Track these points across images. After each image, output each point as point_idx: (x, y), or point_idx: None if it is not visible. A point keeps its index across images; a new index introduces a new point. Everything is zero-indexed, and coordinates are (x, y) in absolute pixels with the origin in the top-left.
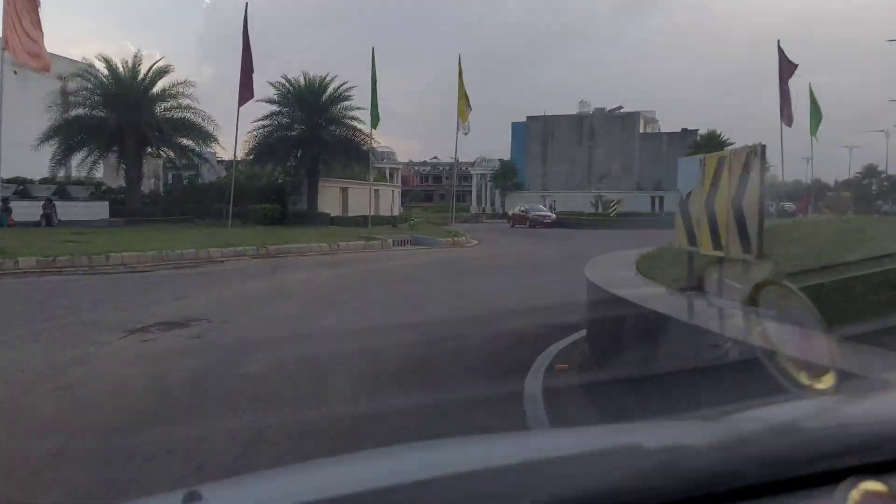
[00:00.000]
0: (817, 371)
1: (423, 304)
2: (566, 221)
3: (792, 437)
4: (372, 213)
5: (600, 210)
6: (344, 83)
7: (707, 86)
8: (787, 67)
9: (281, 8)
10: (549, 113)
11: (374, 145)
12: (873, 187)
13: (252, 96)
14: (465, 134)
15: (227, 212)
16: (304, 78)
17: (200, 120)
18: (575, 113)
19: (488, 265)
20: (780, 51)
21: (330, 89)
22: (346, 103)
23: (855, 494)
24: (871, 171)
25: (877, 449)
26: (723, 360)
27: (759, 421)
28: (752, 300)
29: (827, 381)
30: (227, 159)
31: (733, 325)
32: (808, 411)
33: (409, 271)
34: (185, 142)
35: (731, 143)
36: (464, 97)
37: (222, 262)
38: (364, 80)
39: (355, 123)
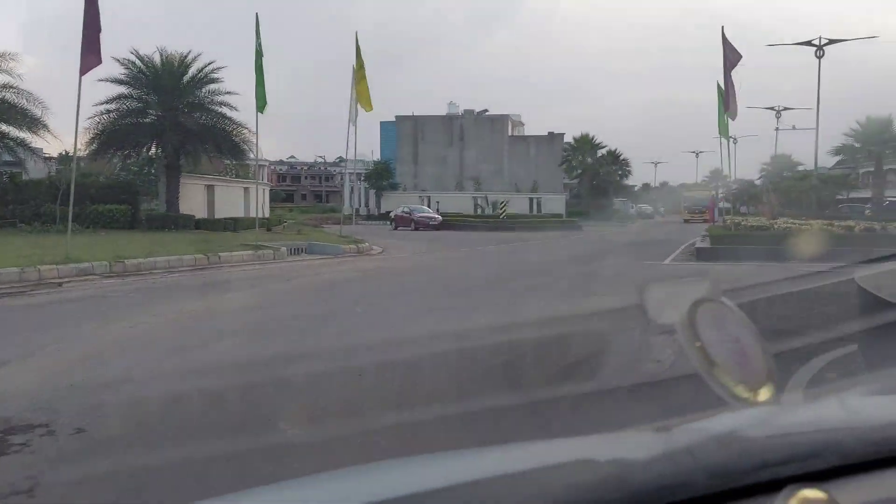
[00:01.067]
0: (757, 383)
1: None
2: (452, 223)
3: (736, 446)
4: (242, 215)
5: (486, 211)
6: (210, 62)
7: (561, 91)
8: (731, 57)
9: None
10: (417, 113)
11: (249, 135)
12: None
13: (99, 61)
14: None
15: (62, 215)
16: (161, 55)
17: (25, 102)
18: (445, 114)
19: (444, 280)
20: (724, 39)
21: (193, 69)
22: (214, 86)
23: (793, 502)
24: (716, 175)
25: (816, 457)
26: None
27: (705, 432)
28: (690, 315)
29: (766, 393)
30: (56, 155)
31: None
32: (751, 421)
33: (358, 292)
34: (2, 127)
35: (604, 146)
36: (364, 80)
37: (61, 285)
38: (239, 66)
39: (225, 110)
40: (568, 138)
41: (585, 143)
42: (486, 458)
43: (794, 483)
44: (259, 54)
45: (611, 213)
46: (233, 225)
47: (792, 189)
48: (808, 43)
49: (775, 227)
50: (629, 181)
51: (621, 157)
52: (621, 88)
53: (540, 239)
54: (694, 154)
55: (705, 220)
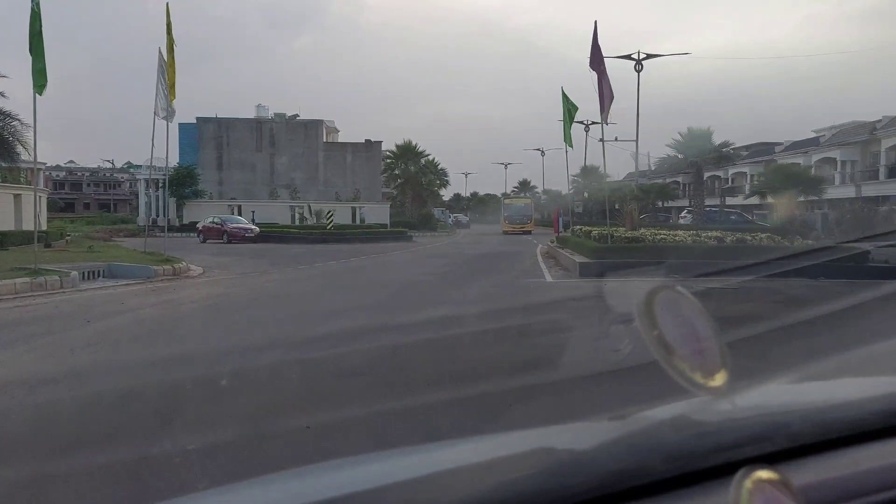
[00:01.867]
0: (711, 370)
1: None
2: (271, 235)
3: (692, 431)
4: (12, 228)
5: (309, 221)
6: None
7: (375, 100)
8: (597, 57)
9: None
10: (222, 115)
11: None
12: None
13: None
14: (164, 118)
15: None
16: None
17: None
18: (253, 117)
19: (317, 314)
20: (595, 37)
21: None
22: None
23: (748, 483)
24: (525, 186)
25: (768, 440)
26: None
27: (661, 418)
28: (647, 304)
29: (720, 380)
30: None
31: None
32: (706, 407)
33: (200, 344)
34: None
35: (427, 154)
36: (174, 64)
37: None
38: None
39: None
40: (387, 146)
41: (409, 151)
42: (447, 451)
43: (750, 465)
44: (36, 23)
45: (434, 222)
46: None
47: (610, 198)
48: (628, 57)
49: (648, 239)
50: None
51: (440, 167)
52: (430, 99)
53: (380, 252)
54: (503, 165)
55: (525, 232)
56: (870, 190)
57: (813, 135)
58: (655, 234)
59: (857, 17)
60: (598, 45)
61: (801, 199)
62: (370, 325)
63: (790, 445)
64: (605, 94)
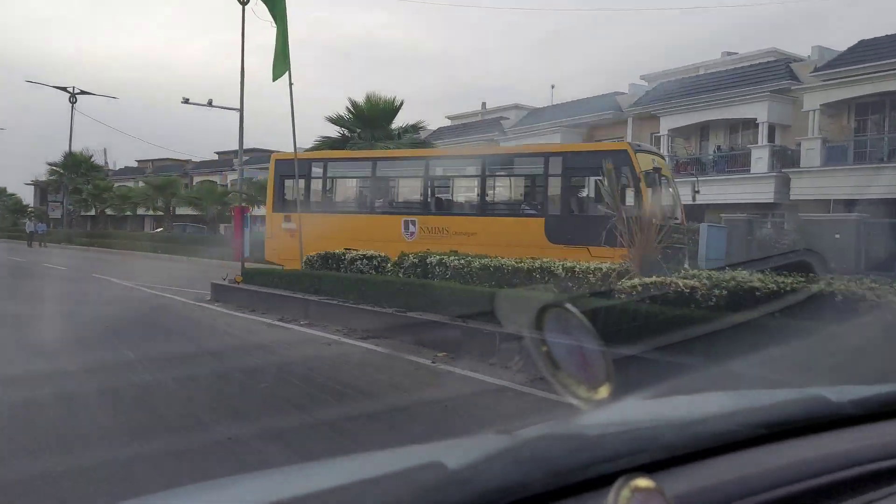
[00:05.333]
0: (595, 384)
1: None
2: None
3: (572, 444)
4: None
5: None
6: None
7: None
8: None
9: None
10: None
11: None
12: None
13: None
14: None
15: None
16: None
17: None
18: None
19: None
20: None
21: None
22: None
23: (626, 492)
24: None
25: (644, 451)
26: None
27: (544, 432)
28: (537, 321)
29: (603, 393)
30: None
31: None
32: (588, 421)
33: None
34: None
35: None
36: None
37: None
38: None
39: None
40: None
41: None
42: (331, 468)
43: (626, 475)
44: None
45: None
46: None
47: None
48: (64, 88)
49: None
50: None
51: None
52: None
53: None
54: None
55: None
56: None
57: None
58: None
59: None
60: None
61: None
62: None
63: (664, 456)
64: None
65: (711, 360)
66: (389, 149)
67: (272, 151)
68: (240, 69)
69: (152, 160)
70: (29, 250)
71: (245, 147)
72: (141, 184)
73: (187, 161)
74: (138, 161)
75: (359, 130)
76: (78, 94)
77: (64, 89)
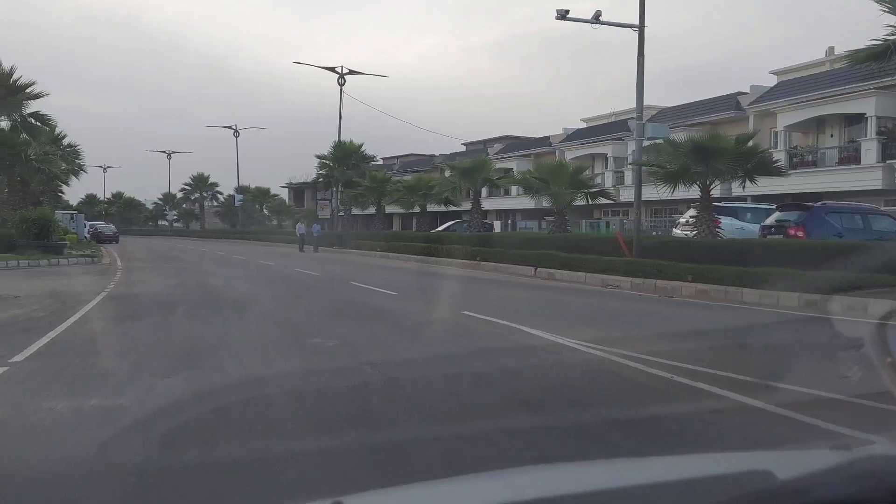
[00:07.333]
0: None
1: None
2: None
3: None
4: None
5: None
6: None
7: None
8: None
9: None
10: None
11: None
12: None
13: None
14: None
15: None
16: None
17: None
18: None
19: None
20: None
21: None
22: None
23: None
24: (202, 181)
25: None
26: None
27: (889, 452)
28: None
29: None
30: None
31: None
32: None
33: None
34: None
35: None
36: None
37: None
38: None
39: None
40: None
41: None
42: (650, 468)
43: None
44: None
45: (57, 238)
46: None
47: None
48: (332, 69)
49: None
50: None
51: (70, 145)
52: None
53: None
54: (165, 154)
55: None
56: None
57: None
58: None
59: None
60: None
61: None
62: None
63: None
64: None
65: None
66: None
67: (523, 138)
68: None
69: (397, 157)
70: (302, 255)
71: (495, 135)
72: (447, 173)
73: (432, 156)
74: (383, 159)
75: None
76: (346, 74)
77: (332, 69)
